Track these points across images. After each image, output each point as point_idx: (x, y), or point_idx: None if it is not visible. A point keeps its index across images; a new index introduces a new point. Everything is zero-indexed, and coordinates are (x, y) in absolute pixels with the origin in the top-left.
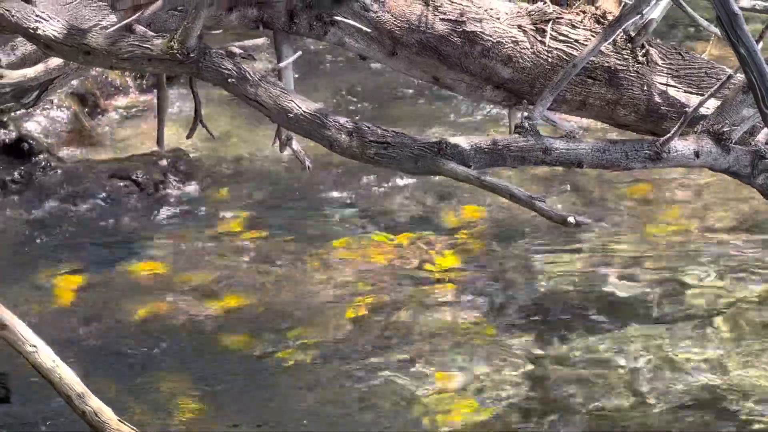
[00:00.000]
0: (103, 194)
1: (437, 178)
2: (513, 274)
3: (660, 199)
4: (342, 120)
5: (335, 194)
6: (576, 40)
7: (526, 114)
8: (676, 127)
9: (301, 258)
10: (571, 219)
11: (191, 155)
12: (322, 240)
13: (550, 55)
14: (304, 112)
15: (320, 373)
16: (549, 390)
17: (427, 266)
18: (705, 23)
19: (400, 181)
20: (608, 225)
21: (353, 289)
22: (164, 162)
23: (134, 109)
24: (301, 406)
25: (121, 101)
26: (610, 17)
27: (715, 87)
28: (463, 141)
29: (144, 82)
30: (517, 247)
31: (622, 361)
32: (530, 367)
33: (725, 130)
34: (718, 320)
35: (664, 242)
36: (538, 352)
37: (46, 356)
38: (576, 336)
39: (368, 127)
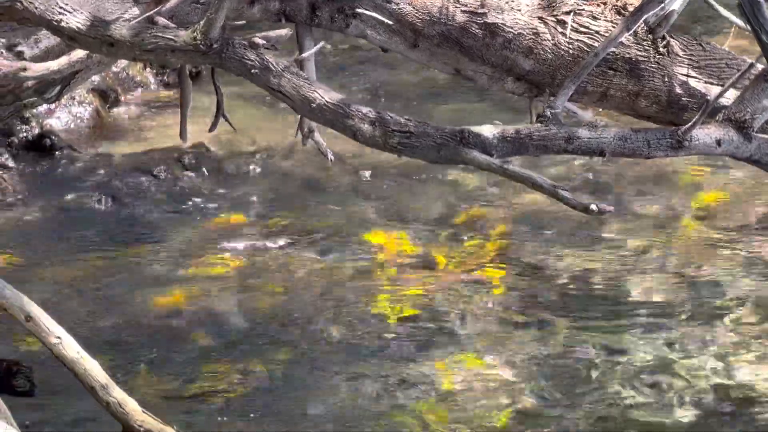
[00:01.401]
0: (125, 188)
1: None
2: (534, 268)
3: (683, 193)
4: (365, 109)
5: (355, 186)
6: (597, 32)
7: (548, 104)
8: (698, 115)
9: (321, 249)
10: (593, 207)
11: (212, 149)
12: (342, 232)
13: (571, 46)
14: (327, 101)
15: (336, 364)
16: (562, 384)
17: (450, 260)
18: (726, 13)
19: (424, 175)
20: (629, 219)
21: (375, 282)
22: (185, 156)
23: (155, 104)
24: (324, 399)
25: (142, 96)
26: (630, 8)
27: (737, 75)
28: (485, 130)
29: (165, 77)
30: (539, 241)
31: (639, 356)
32: (547, 360)
33: (747, 118)
34: (741, 317)
35: (687, 237)
36: (553, 346)
37: (70, 347)
38: (595, 330)
39: (391, 117)
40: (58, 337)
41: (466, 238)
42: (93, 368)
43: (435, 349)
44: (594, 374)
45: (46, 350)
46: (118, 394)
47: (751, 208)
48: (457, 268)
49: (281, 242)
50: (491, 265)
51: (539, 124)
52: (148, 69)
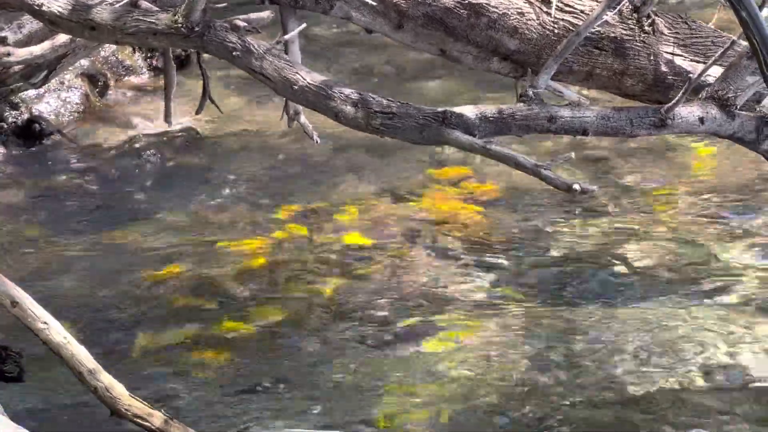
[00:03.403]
0: (115, 171)
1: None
2: (525, 243)
3: (672, 168)
4: (347, 91)
5: (345, 165)
6: (581, 11)
7: (530, 83)
8: (681, 93)
9: (312, 224)
10: (576, 186)
11: (201, 131)
12: (331, 207)
13: (556, 26)
14: (309, 83)
15: (329, 338)
16: (555, 361)
17: (440, 234)
18: None
19: (410, 152)
20: (618, 190)
21: (364, 256)
22: (174, 138)
23: (144, 88)
24: (314, 371)
25: (131, 81)
26: None
27: (719, 53)
28: (467, 110)
29: (154, 61)
30: (529, 217)
31: (630, 330)
32: (539, 336)
33: (730, 96)
34: (731, 290)
35: (675, 212)
36: (548, 321)
37: (57, 333)
38: (585, 305)
39: (373, 98)
40: (45, 323)
41: (456, 209)
42: (80, 353)
43: (435, 320)
44: (586, 349)
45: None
46: (105, 379)
47: (741, 177)
48: (446, 239)
49: (274, 215)
50: (479, 237)
51: (522, 104)
52: (137, 53)
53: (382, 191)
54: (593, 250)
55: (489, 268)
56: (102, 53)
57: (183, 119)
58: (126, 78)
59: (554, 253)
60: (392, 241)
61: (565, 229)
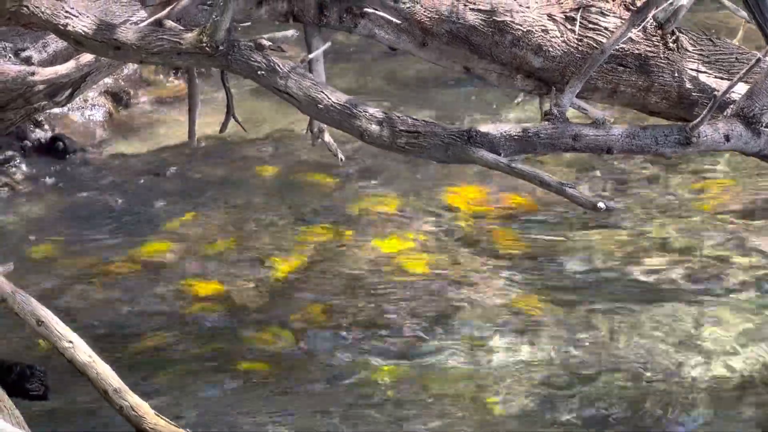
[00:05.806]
0: (139, 186)
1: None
2: (546, 254)
3: (693, 183)
4: (372, 110)
5: (368, 173)
6: (606, 28)
7: (555, 101)
8: (706, 111)
9: (333, 230)
10: (601, 204)
11: (222, 140)
12: (358, 216)
13: (580, 43)
14: (334, 102)
15: (358, 348)
16: (579, 370)
17: (462, 246)
18: (733, 7)
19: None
20: (641, 208)
21: (387, 266)
22: (197, 150)
23: (167, 103)
24: (339, 382)
25: (154, 96)
26: (639, 4)
27: (744, 70)
28: (492, 129)
29: (176, 77)
30: (550, 228)
31: (650, 340)
32: (562, 345)
33: (755, 113)
34: (753, 303)
35: (697, 224)
36: (569, 329)
37: (83, 352)
38: (607, 316)
39: (398, 117)
40: (70, 342)
41: (474, 219)
42: (105, 371)
43: (457, 330)
44: (607, 357)
45: None
46: (131, 398)
47: (760, 190)
48: (466, 250)
49: (298, 223)
50: (500, 247)
51: (546, 123)
52: (160, 69)
53: (407, 199)
54: (616, 260)
55: (513, 276)
56: (125, 71)
57: (206, 129)
58: (149, 93)
59: (578, 263)
60: (417, 250)
61: (588, 240)
